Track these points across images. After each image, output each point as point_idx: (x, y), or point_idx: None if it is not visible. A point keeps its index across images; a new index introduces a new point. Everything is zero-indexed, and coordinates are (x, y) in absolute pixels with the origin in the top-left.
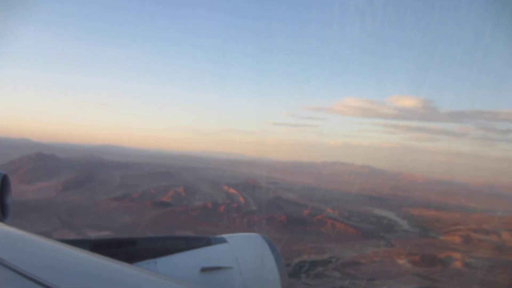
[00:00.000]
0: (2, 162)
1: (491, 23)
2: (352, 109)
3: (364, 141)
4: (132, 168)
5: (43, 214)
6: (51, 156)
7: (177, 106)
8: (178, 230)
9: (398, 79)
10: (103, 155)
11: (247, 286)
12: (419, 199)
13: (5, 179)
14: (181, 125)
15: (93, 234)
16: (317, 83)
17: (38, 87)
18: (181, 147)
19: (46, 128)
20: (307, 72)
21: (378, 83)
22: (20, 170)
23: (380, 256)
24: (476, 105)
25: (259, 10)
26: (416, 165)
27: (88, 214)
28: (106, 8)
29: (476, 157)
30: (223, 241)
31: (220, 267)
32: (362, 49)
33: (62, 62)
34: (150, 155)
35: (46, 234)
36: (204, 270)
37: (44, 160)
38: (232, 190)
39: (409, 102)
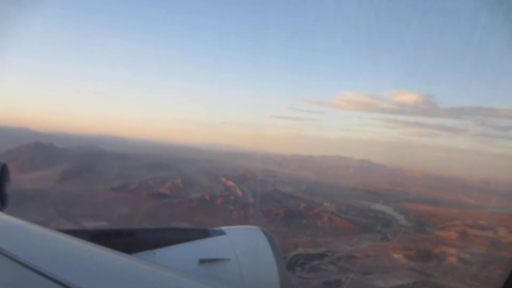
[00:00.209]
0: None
1: (493, 19)
2: (351, 103)
3: (364, 135)
4: (130, 159)
5: (40, 204)
6: (50, 146)
7: (177, 97)
8: (175, 221)
9: (398, 73)
10: (102, 145)
11: (245, 278)
12: (417, 194)
13: (4, 168)
14: (180, 116)
15: (89, 224)
16: (317, 77)
17: (39, 77)
18: (180, 139)
19: (45, 117)
20: (307, 65)
21: (377, 77)
22: (17, 159)
23: (375, 250)
24: (476, 101)
25: (258, 1)
26: (415, 160)
27: (85, 204)
28: None
29: (475, 153)
30: (221, 233)
31: (218, 259)
32: (362, 43)
33: (61, 52)
34: (149, 146)
35: (43, 224)
36: (202, 261)
37: (42, 150)
38: (230, 183)
39: (409, 97)
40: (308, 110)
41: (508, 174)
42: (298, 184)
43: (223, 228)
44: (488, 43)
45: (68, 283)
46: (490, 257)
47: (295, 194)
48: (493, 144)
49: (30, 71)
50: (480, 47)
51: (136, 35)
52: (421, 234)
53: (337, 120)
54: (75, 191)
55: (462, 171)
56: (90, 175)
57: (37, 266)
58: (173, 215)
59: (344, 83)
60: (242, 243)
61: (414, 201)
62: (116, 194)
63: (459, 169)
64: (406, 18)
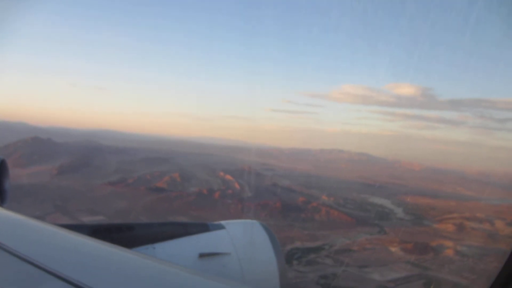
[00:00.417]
0: None
1: (491, 11)
2: (350, 96)
3: (363, 128)
4: (128, 153)
5: (37, 199)
6: (48, 140)
7: (175, 91)
8: (172, 215)
9: (396, 66)
10: (100, 140)
11: (244, 272)
12: (415, 187)
13: (3, 164)
14: (178, 110)
15: (86, 219)
16: (315, 70)
17: (37, 71)
18: (179, 133)
19: (44, 112)
20: (305, 58)
21: (376, 70)
22: (15, 154)
23: (373, 243)
24: (475, 93)
25: None
26: (414, 153)
27: (83, 198)
28: None
29: (473, 146)
30: (221, 227)
31: (218, 253)
32: (361, 36)
33: (58, 47)
34: (147, 141)
35: (39, 219)
36: (202, 255)
37: (40, 144)
38: (228, 177)
39: (407, 89)
40: (306, 104)
41: (507, 167)
42: (296, 178)
43: (223, 222)
44: (487, 35)
45: (68, 278)
46: (487, 250)
47: (293, 188)
48: (492, 136)
49: (28, 65)
50: (479, 39)
51: (135, 30)
52: (419, 227)
53: (336, 113)
54: (72, 185)
55: (460, 164)
56: (88, 169)
57: (37, 261)
58: (170, 209)
59: (343, 76)
60: (242, 237)
61: (412, 194)
62: (113, 189)
63: (457, 161)
64: (405, 10)
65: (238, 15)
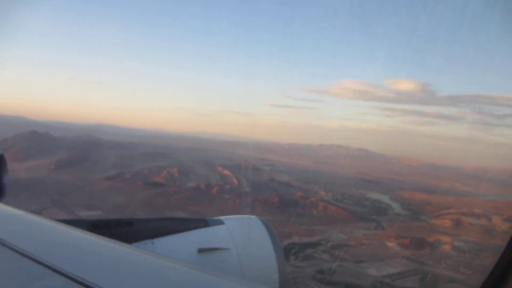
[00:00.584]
0: None
1: (491, 6)
2: (350, 91)
3: (362, 124)
4: (127, 148)
5: (34, 193)
6: (46, 135)
7: (173, 86)
8: (170, 210)
9: (396, 62)
10: (98, 134)
11: (244, 267)
12: (413, 183)
13: (1, 158)
14: (177, 105)
15: (83, 214)
16: (314, 66)
17: (35, 66)
18: (178, 128)
19: (42, 106)
20: (305, 54)
21: (376, 66)
22: (13, 148)
23: (370, 239)
24: (474, 89)
25: None
26: (413, 148)
27: (80, 193)
28: None
29: (472, 142)
30: (220, 222)
31: (217, 248)
32: (360, 32)
33: (57, 41)
34: (145, 135)
35: (36, 213)
36: (201, 251)
37: (38, 138)
38: (227, 172)
39: (407, 85)
40: (306, 99)
41: (505, 162)
42: (295, 173)
43: (222, 217)
44: (486, 30)
45: (67, 273)
46: (484, 245)
47: (292, 183)
48: (490, 132)
49: (26, 60)
50: (478, 34)
51: (134, 25)
52: (416, 222)
53: (336, 108)
54: (70, 180)
55: (459, 160)
56: (85, 164)
57: (36, 256)
58: (168, 204)
59: (342, 72)
60: (241, 233)
61: (411, 190)
62: (111, 183)
63: (456, 157)
64: (404, 6)
65: (237, 11)
